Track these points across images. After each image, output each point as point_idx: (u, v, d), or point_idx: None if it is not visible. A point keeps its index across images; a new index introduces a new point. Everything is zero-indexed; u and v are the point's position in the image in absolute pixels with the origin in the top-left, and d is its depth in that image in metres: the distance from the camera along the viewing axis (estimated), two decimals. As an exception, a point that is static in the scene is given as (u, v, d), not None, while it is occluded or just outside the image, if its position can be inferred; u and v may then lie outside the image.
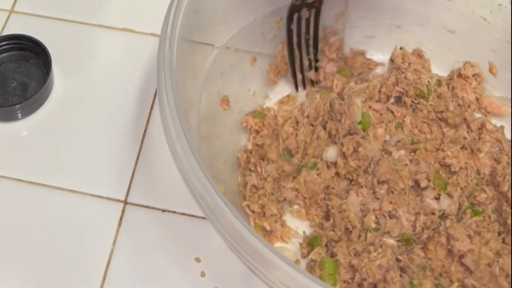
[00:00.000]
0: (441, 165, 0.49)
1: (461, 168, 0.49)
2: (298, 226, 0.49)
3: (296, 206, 0.50)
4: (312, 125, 0.52)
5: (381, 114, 0.51)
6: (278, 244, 0.49)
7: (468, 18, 0.54)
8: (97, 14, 0.60)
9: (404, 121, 0.51)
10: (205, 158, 0.45)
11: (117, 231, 0.49)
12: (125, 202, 0.50)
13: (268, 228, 0.48)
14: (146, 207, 0.50)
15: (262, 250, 0.35)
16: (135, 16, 0.60)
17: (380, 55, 0.57)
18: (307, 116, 0.52)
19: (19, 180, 0.51)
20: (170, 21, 0.42)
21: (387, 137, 0.51)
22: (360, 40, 0.57)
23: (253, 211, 0.48)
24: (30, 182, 0.51)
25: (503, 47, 0.53)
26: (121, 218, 0.49)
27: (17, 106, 0.53)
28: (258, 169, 0.49)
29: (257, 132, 0.52)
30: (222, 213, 0.36)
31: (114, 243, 0.48)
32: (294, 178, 0.49)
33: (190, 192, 0.38)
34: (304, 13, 0.51)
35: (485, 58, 0.55)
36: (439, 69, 0.56)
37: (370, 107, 0.52)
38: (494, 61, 0.54)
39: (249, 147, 0.52)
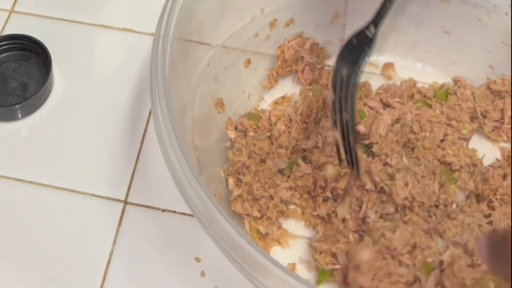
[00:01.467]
0: (441, 163, 0.49)
1: (461, 166, 0.49)
2: (294, 228, 0.49)
3: (292, 206, 0.50)
4: (306, 123, 0.52)
5: (376, 112, 0.51)
6: (275, 247, 0.48)
7: (463, 19, 0.54)
8: (97, 14, 0.60)
9: (404, 117, 0.51)
10: (200, 162, 0.45)
11: (117, 231, 0.49)
12: (125, 202, 0.50)
13: (263, 231, 0.48)
14: (146, 207, 0.50)
15: (255, 255, 0.34)
16: (135, 16, 0.60)
17: (375, 56, 0.57)
18: (300, 114, 0.52)
19: (19, 180, 0.51)
20: (164, 22, 0.42)
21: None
22: None
23: (247, 214, 0.48)
24: (30, 182, 0.51)
25: (499, 48, 0.53)
26: (121, 218, 0.49)
27: (17, 106, 0.53)
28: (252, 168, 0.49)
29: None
30: (215, 219, 0.36)
31: (114, 243, 0.48)
32: (288, 177, 0.49)
33: (183, 198, 0.38)
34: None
35: (480, 59, 0.55)
36: (435, 70, 0.56)
37: (365, 104, 0.52)
38: (490, 62, 0.54)
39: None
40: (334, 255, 0.46)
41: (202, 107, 0.48)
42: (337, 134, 0.44)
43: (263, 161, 0.49)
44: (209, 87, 0.49)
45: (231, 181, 0.49)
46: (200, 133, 0.47)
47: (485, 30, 0.53)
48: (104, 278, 0.47)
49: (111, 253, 0.48)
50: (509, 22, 0.52)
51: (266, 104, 0.55)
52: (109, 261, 0.47)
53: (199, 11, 0.46)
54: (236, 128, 0.52)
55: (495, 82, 0.54)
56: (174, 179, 0.38)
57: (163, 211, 0.50)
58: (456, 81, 0.55)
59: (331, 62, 0.57)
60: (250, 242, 0.35)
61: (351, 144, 0.44)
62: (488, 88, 0.54)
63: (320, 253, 0.47)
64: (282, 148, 0.50)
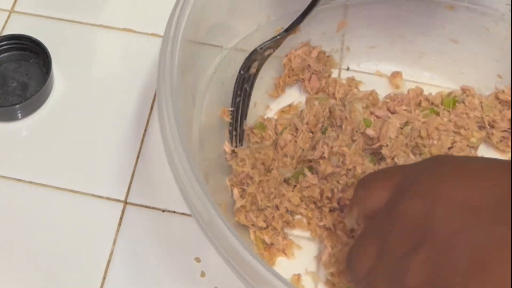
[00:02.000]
0: None
1: None
2: (300, 238, 0.49)
3: (298, 216, 0.49)
4: (312, 132, 0.51)
5: (384, 121, 0.51)
6: (280, 258, 0.48)
7: (471, 28, 0.53)
8: (97, 14, 0.60)
9: (413, 121, 0.51)
10: (206, 171, 0.45)
11: (117, 231, 0.49)
12: (125, 202, 0.50)
13: (268, 241, 0.48)
14: (146, 207, 0.50)
15: (261, 271, 0.34)
16: (135, 16, 0.60)
17: (382, 65, 0.56)
18: (307, 123, 0.51)
19: (19, 180, 0.51)
20: (173, 28, 0.42)
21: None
22: (362, 50, 0.56)
23: (253, 224, 0.48)
24: (30, 182, 0.51)
25: (507, 58, 0.53)
26: (121, 218, 0.49)
27: (17, 106, 0.53)
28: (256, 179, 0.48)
29: (258, 143, 0.52)
30: (220, 232, 0.36)
31: (114, 243, 0.48)
32: (294, 187, 0.49)
33: (188, 207, 0.38)
34: (254, 67, 0.52)
35: (488, 69, 0.54)
36: (443, 80, 0.56)
37: (372, 113, 0.51)
38: (498, 71, 0.54)
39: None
40: None
41: (210, 115, 0.48)
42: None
43: (268, 170, 0.49)
44: (216, 95, 0.49)
45: (235, 191, 0.48)
46: (207, 141, 0.47)
47: (493, 39, 0.53)
48: (104, 278, 0.47)
49: (111, 253, 0.48)
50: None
51: (272, 112, 0.54)
52: (109, 261, 0.47)
53: (207, 18, 0.46)
54: None
55: (503, 91, 0.53)
56: (180, 188, 0.38)
57: (163, 211, 0.50)
58: (464, 89, 0.55)
59: (337, 71, 0.57)
60: (257, 257, 0.35)
61: (239, 123, 0.51)
62: (496, 97, 0.53)
63: (339, 275, 0.46)
64: (287, 157, 0.50)
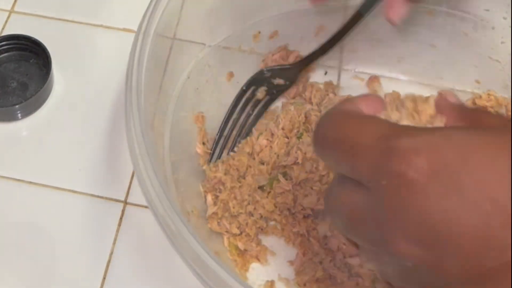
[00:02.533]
0: None
1: None
2: (274, 244, 0.48)
3: (272, 223, 0.49)
4: (287, 137, 0.51)
5: None
6: (254, 264, 0.48)
7: (450, 33, 0.53)
8: (97, 14, 0.60)
9: None
10: (179, 177, 0.44)
11: (117, 231, 0.49)
12: (125, 202, 0.50)
13: (242, 247, 0.47)
14: (146, 207, 0.50)
15: (229, 281, 0.34)
16: (135, 16, 0.60)
17: (361, 69, 0.56)
18: (282, 128, 0.51)
19: (19, 180, 0.51)
20: (142, 32, 0.43)
21: None
22: (341, 55, 0.56)
23: (226, 231, 0.47)
24: (30, 183, 0.51)
25: (485, 63, 0.53)
26: (121, 218, 0.49)
27: (17, 106, 0.53)
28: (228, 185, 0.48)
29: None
30: (186, 241, 0.36)
31: (114, 243, 0.48)
32: (268, 193, 0.48)
33: (153, 214, 0.38)
34: (261, 92, 0.53)
35: (466, 74, 0.54)
36: (421, 85, 0.55)
37: None
38: (477, 77, 0.54)
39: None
40: (318, 280, 0.45)
41: (182, 120, 0.48)
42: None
43: (243, 176, 0.49)
44: (189, 100, 0.49)
45: (209, 197, 0.48)
46: (179, 147, 0.47)
47: (472, 45, 0.53)
48: (104, 278, 0.47)
49: (111, 253, 0.48)
50: (494, 37, 0.52)
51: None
52: (109, 261, 0.48)
53: (179, 23, 0.46)
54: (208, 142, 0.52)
55: (480, 97, 0.53)
56: (146, 197, 0.38)
57: (163, 211, 0.49)
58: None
59: (315, 75, 0.56)
60: (224, 267, 0.34)
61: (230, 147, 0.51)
62: (474, 103, 0.53)
63: (305, 284, 0.46)
64: (263, 164, 0.50)
